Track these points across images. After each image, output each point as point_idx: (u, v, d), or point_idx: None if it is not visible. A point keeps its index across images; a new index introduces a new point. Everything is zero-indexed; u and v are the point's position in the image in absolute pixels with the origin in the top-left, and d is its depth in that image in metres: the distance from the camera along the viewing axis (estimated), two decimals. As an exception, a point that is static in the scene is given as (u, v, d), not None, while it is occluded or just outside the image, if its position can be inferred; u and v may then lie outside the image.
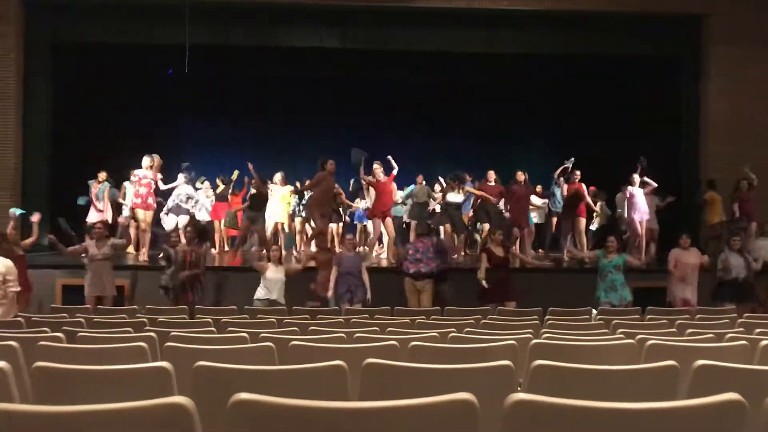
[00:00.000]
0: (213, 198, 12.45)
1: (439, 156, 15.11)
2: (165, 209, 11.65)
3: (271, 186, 11.79)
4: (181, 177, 11.81)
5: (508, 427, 1.63)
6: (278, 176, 11.98)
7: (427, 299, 8.31)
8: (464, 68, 14.49)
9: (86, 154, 12.31)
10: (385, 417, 1.62)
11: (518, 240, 10.98)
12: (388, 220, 10.71)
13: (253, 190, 10.90)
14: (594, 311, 6.72)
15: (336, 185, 10.95)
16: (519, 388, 2.64)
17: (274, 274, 8.08)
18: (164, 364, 2.59)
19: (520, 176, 11.06)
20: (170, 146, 15.19)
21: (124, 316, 5.88)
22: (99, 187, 11.08)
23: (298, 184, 12.17)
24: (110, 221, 10.73)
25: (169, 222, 11.40)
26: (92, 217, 10.80)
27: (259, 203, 10.84)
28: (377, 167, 10.64)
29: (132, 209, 10.98)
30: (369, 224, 12.16)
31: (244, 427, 1.61)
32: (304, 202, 12.00)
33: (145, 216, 10.70)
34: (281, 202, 11.79)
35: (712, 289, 8.55)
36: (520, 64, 14.16)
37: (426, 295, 8.35)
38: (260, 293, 8.07)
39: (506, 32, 12.54)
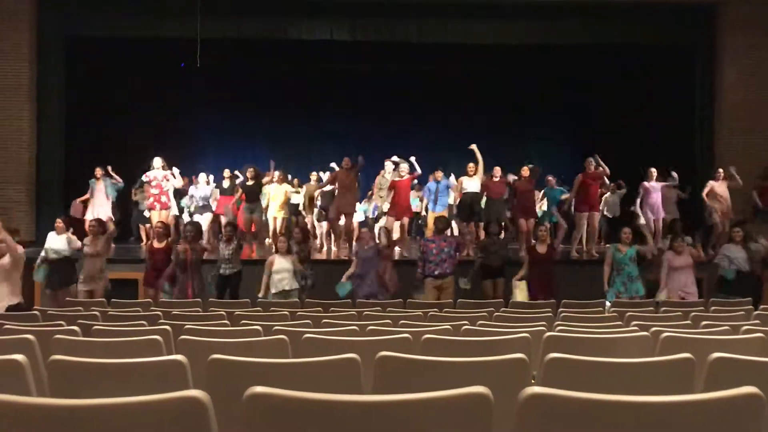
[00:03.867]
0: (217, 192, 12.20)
1: (450, 147, 15.05)
2: (187, 211, 11.79)
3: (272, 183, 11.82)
4: (202, 176, 11.92)
5: (522, 420, 1.62)
6: (276, 174, 11.84)
7: (449, 295, 8.17)
8: (475, 59, 14.44)
9: (100, 147, 12.40)
10: (399, 410, 1.62)
11: (525, 234, 10.88)
12: (405, 219, 10.83)
13: (249, 182, 10.90)
14: (608, 303, 6.69)
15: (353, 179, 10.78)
16: (533, 381, 2.63)
17: (281, 264, 8.07)
18: (179, 357, 2.60)
19: (525, 171, 10.93)
20: (182, 139, 15.31)
21: (138, 309, 5.91)
22: (100, 184, 11.01)
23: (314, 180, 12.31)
24: (113, 217, 10.93)
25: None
26: (89, 214, 10.76)
27: (252, 195, 10.87)
28: (405, 167, 10.81)
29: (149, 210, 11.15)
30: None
31: (258, 420, 1.62)
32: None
33: (160, 216, 10.79)
34: (278, 198, 11.65)
35: (716, 282, 8.45)
36: (533, 54, 14.10)
37: (448, 291, 8.24)
38: (272, 287, 8.06)
39: (518, 23, 12.45)
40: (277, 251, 8.29)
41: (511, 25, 12.46)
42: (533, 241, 8.86)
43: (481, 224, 10.87)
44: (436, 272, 8.28)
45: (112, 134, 13.13)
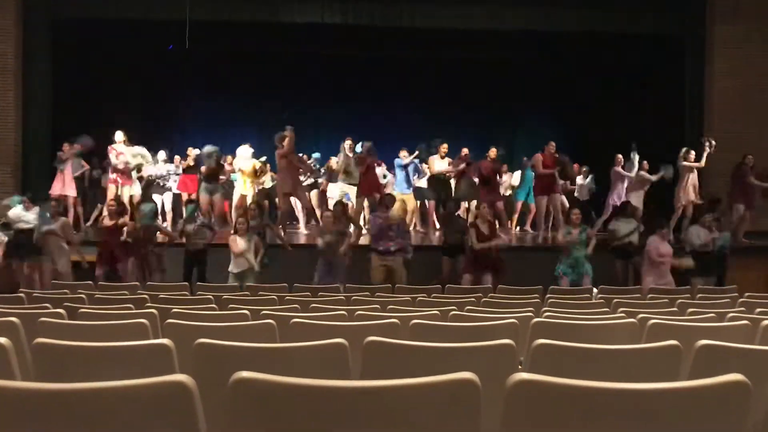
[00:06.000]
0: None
1: (439, 133, 15.01)
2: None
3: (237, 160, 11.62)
4: (161, 154, 11.79)
5: (509, 406, 1.62)
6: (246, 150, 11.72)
7: (401, 275, 8.17)
8: (467, 45, 14.37)
9: (87, 129, 12.26)
10: (387, 396, 1.61)
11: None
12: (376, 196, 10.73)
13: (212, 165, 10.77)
14: (595, 290, 6.73)
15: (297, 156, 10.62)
16: (520, 367, 2.64)
17: (239, 245, 8.00)
18: (165, 341, 2.58)
19: (492, 152, 10.83)
20: (171, 123, 15.18)
21: (125, 292, 5.89)
22: (72, 160, 10.88)
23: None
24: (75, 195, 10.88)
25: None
26: (56, 189, 10.65)
27: (213, 176, 10.72)
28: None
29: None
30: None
31: (244, 405, 1.61)
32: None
33: (122, 193, 10.67)
34: (247, 176, 11.43)
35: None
36: (523, 41, 14.04)
37: (399, 271, 8.22)
38: (232, 266, 8.05)
39: (508, 9, 12.42)
40: (236, 231, 8.21)
41: (504, 11, 12.42)
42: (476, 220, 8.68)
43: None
44: (380, 248, 8.24)
45: (99, 117, 12.99)
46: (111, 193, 10.69)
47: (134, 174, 11.10)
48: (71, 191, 10.80)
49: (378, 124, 15.16)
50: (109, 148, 10.92)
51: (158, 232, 8.61)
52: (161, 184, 11.58)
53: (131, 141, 11.15)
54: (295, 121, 15.32)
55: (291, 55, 15.07)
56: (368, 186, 10.38)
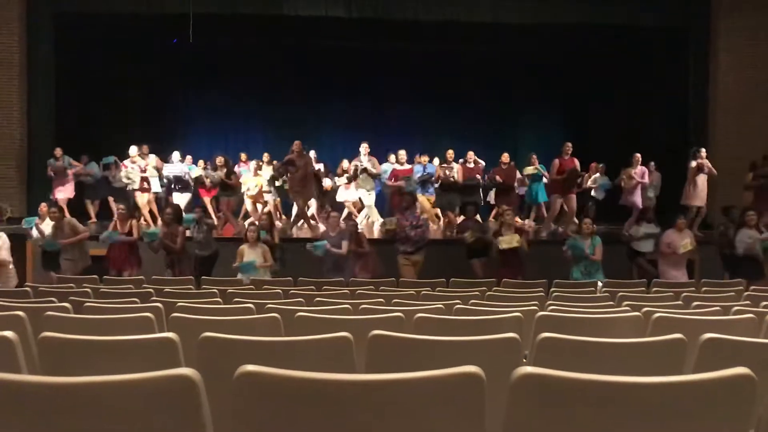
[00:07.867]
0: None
1: (444, 128, 15.00)
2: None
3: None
4: (176, 155, 11.82)
5: (514, 400, 1.62)
6: (252, 164, 11.84)
7: (417, 270, 8.49)
8: (470, 39, 14.34)
9: (90, 123, 12.31)
10: (392, 389, 1.61)
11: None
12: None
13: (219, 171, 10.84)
14: (600, 284, 6.72)
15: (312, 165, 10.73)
16: (525, 361, 2.63)
17: (249, 256, 7.94)
18: (170, 335, 2.58)
19: (505, 157, 11.00)
20: (174, 116, 15.19)
21: (130, 286, 5.90)
22: (60, 164, 10.93)
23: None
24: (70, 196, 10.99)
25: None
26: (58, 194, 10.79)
27: (222, 184, 10.84)
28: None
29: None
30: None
31: (249, 398, 1.61)
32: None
33: (143, 199, 10.98)
34: (253, 191, 11.54)
35: (729, 266, 8.42)
36: (526, 34, 13.99)
37: (418, 266, 8.55)
38: (242, 275, 7.95)
39: (513, 2, 12.39)
40: (246, 240, 8.14)
41: (508, 4, 12.41)
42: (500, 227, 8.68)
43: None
44: (410, 249, 8.53)
45: (103, 111, 13.03)
46: (140, 200, 10.98)
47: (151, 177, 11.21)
48: (63, 193, 10.91)
49: (381, 118, 15.17)
50: (124, 163, 11.07)
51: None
52: (178, 186, 11.57)
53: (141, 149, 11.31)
54: (298, 115, 15.47)
55: (294, 48, 15.04)
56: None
